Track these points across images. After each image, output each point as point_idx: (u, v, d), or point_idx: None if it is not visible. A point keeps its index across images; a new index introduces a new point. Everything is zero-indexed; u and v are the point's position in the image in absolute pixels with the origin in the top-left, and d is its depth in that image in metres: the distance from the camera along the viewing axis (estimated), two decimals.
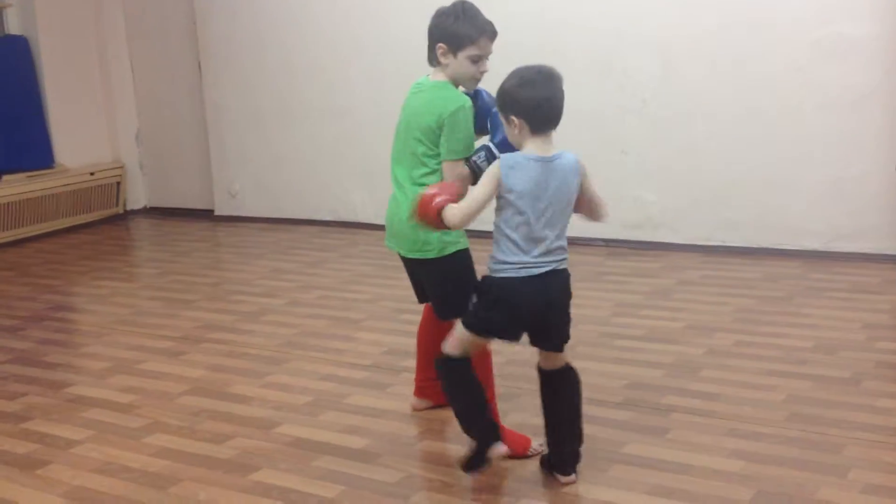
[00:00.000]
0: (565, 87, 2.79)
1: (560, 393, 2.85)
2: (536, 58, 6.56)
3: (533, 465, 2.97)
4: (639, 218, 5.76)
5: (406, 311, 4.71)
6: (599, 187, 2.96)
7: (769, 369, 3.68)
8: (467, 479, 2.90)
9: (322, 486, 2.93)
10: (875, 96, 5.06)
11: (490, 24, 3.01)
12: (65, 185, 7.23)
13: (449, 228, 2.77)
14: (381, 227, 6.65)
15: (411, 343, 4.21)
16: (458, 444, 3.15)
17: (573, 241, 5.86)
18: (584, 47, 5.74)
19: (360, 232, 6.64)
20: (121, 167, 7.72)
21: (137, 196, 7.95)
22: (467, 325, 2.81)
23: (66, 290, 5.69)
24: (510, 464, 2.98)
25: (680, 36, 5.50)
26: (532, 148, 2.72)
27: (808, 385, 3.51)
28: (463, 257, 3.08)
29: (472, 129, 3.01)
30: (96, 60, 7.60)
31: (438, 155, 3.01)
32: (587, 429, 3.18)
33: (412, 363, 3.94)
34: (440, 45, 3.01)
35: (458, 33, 2.97)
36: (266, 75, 7.05)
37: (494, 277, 2.75)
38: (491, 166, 2.76)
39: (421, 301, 3.32)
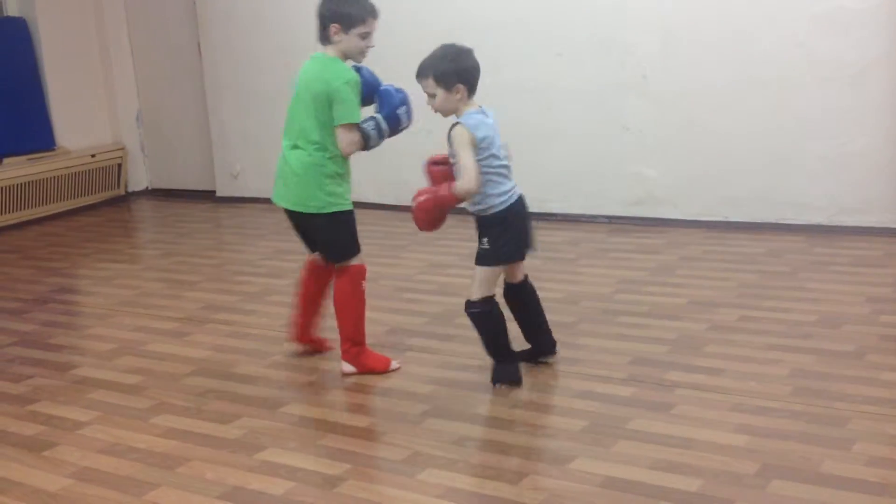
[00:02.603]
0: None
1: (532, 296, 3.54)
2: (540, 34, 6.51)
3: (538, 442, 2.98)
4: (641, 194, 5.75)
5: (408, 289, 4.73)
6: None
7: (773, 344, 3.69)
8: (473, 457, 2.92)
9: (328, 465, 2.94)
10: (877, 69, 5.03)
11: (374, 6, 3.51)
12: (66, 168, 7.22)
13: (467, 198, 3.29)
14: (383, 207, 6.64)
15: (414, 321, 4.23)
16: (464, 422, 3.18)
17: (576, 219, 5.86)
18: (585, 23, 5.70)
19: (361, 211, 6.55)
20: (122, 149, 7.71)
21: (139, 178, 7.94)
22: (490, 263, 3.36)
23: (70, 272, 5.70)
24: (516, 439, 3.00)
25: (680, 11, 5.46)
26: (469, 108, 3.30)
27: (812, 359, 3.52)
28: (345, 215, 3.60)
29: (359, 100, 3.48)
30: (96, 41, 7.57)
31: (325, 119, 3.46)
32: (590, 405, 3.21)
33: (416, 341, 3.97)
34: (334, 25, 3.47)
35: (350, 14, 3.46)
36: (266, 55, 7.01)
37: (502, 209, 3.32)
38: (461, 134, 3.23)
39: (311, 250, 3.77)
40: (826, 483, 2.63)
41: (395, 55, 6.46)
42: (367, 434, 3.17)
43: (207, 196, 7.56)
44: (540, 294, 3.48)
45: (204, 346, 4.13)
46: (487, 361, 3.68)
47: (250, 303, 4.73)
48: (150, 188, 8.01)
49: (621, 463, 2.82)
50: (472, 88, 3.31)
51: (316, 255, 3.76)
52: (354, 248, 3.63)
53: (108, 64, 7.63)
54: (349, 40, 3.48)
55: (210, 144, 7.51)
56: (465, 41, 3.32)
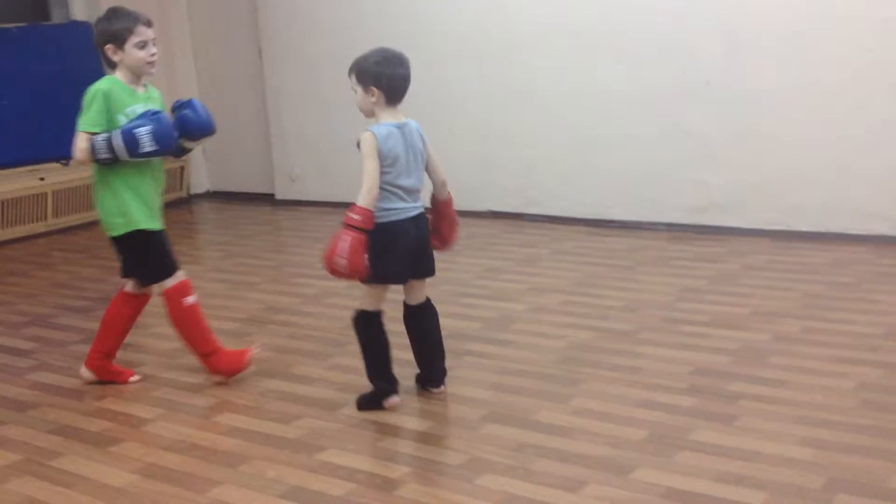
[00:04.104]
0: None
1: (427, 322, 3.46)
2: (599, 39, 6.45)
3: (599, 450, 2.96)
4: (702, 202, 5.69)
5: (465, 294, 4.73)
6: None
7: (839, 356, 3.62)
8: (533, 463, 2.91)
9: (388, 467, 2.95)
10: None
11: (143, 14, 3.53)
12: None
13: (369, 206, 3.20)
14: None
15: (473, 326, 4.23)
16: (523, 429, 3.17)
17: (636, 226, 5.81)
18: (645, 28, 5.66)
19: None
20: None
21: (200, 180, 8.07)
22: (366, 280, 3.25)
23: None
24: (576, 447, 2.98)
25: (743, 15, 5.40)
26: (387, 117, 3.25)
27: (879, 372, 3.44)
28: (142, 236, 3.56)
29: (98, 112, 3.43)
30: (159, 46, 7.68)
31: None
32: (651, 415, 3.17)
33: (475, 346, 3.97)
34: (108, 46, 3.48)
35: (117, 29, 3.47)
36: (326, 59, 7.09)
37: (382, 223, 3.22)
38: (367, 140, 3.21)
39: (123, 276, 3.73)
40: (893, 499, 2.57)
41: (455, 58, 6.49)
42: (426, 438, 3.17)
43: (266, 199, 7.66)
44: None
45: (264, 346, 4.17)
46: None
47: (309, 305, 4.77)
48: (210, 191, 8.14)
49: (683, 474, 2.78)
50: (390, 96, 3.23)
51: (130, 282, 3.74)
52: (165, 270, 3.62)
53: (171, 68, 7.76)
54: (129, 55, 3.49)
55: (269, 147, 7.61)
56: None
